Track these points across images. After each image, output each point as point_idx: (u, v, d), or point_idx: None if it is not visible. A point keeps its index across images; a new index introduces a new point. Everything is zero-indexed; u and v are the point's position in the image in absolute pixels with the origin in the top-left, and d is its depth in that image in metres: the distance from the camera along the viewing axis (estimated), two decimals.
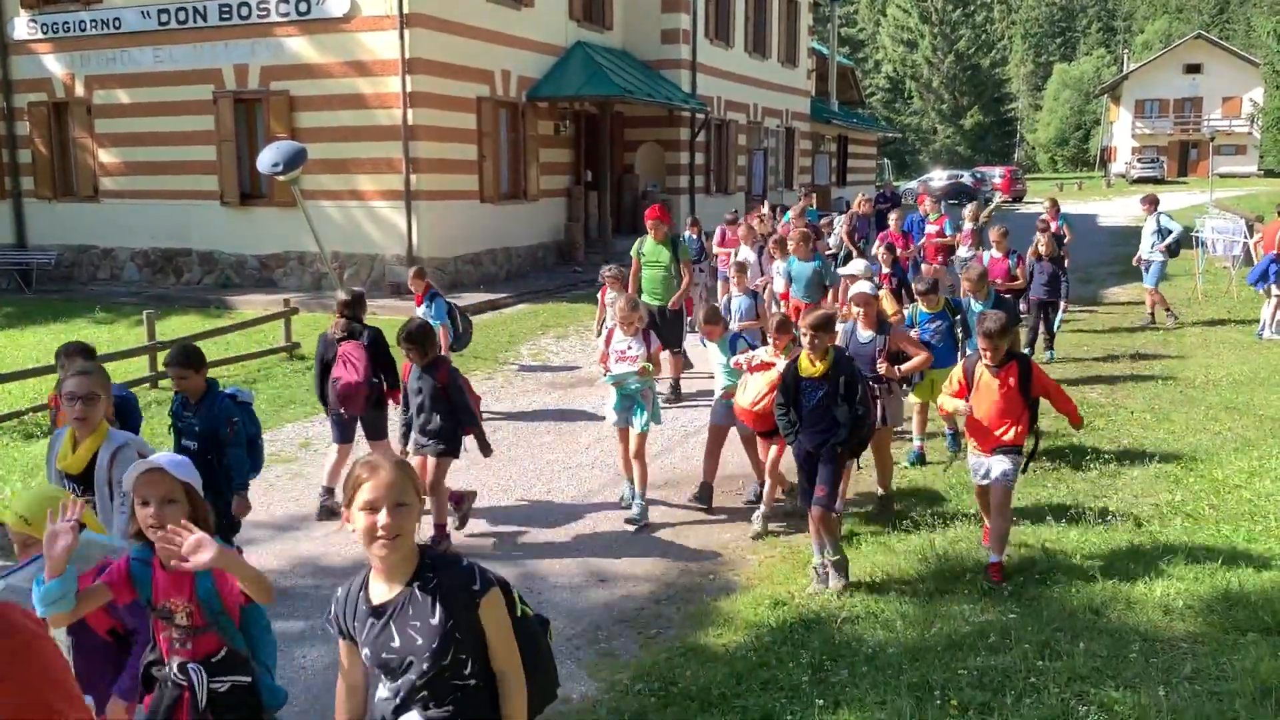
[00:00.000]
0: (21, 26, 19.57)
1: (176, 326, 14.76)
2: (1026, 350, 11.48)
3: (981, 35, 78.20)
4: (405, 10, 16.39)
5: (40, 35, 19.44)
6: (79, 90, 19.35)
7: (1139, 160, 62.85)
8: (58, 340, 14.19)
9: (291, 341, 12.90)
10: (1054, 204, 15.23)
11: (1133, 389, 10.56)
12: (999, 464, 5.87)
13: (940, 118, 77.50)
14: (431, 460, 6.55)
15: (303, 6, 17.15)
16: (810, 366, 5.88)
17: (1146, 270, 14.21)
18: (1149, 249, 14.13)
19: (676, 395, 10.63)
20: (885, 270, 11.19)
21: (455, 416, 6.55)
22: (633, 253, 11.01)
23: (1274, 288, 13.09)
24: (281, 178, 14.77)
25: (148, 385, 11.31)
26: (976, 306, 8.71)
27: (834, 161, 38.37)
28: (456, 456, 6.69)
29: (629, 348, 7.18)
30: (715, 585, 6.12)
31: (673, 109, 23.07)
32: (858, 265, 9.00)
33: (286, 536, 7.01)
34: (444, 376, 6.50)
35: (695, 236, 13.92)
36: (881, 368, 6.89)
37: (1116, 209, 36.46)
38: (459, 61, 17.63)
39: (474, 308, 16.16)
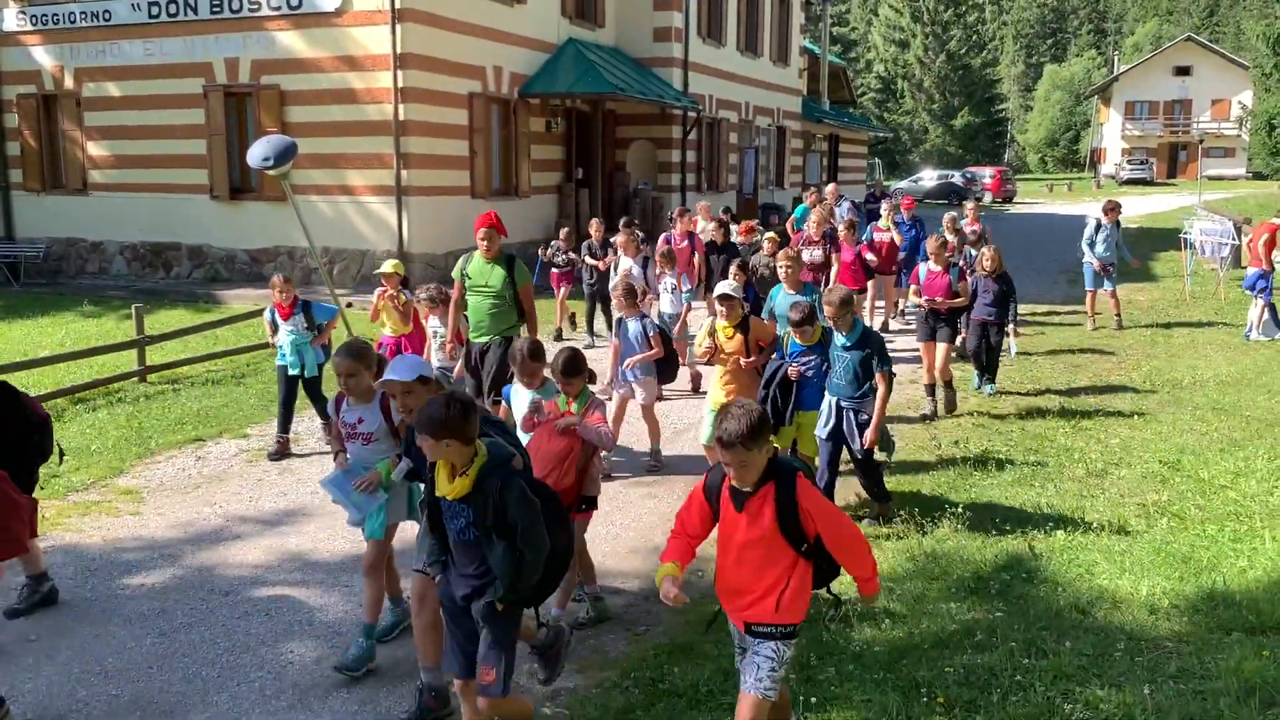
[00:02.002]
0: (10, 18, 19.45)
1: (165, 321, 14.71)
2: (981, 385, 10.51)
3: (973, 35, 78.55)
4: (397, 5, 16.36)
5: (30, 27, 19.34)
6: (68, 83, 19.26)
7: (1128, 162, 63.21)
8: (45, 334, 14.15)
9: None
10: (975, 206, 14.33)
11: (1120, 389, 10.63)
12: (751, 657, 3.69)
13: (931, 117, 77.80)
14: None
15: (294, 1, 17.09)
16: (446, 483, 3.84)
17: (1109, 275, 14.13)
18: (1110, 254, 14.04)
19: None
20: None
21: None
22: (455, 273, 8.54)
23: (1261, 295, 13.21)
24: (271, 172, 14.58)
25: (136, 379, 11.25)
26: (840, 340, 6.74)
27: (825, 160, 38.44)
28: None
29: (359, 421, 5.00)
30: (704, 583, 6.11)
31: (664, 107, 23.06)
32: (725, 285, 7.40)
33: (274, 532, 6.99)
34: None
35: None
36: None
37: None
38: (451, 57, 17.59)
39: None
